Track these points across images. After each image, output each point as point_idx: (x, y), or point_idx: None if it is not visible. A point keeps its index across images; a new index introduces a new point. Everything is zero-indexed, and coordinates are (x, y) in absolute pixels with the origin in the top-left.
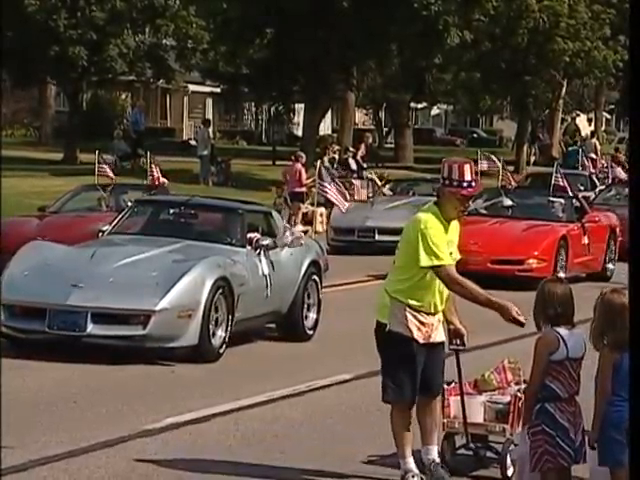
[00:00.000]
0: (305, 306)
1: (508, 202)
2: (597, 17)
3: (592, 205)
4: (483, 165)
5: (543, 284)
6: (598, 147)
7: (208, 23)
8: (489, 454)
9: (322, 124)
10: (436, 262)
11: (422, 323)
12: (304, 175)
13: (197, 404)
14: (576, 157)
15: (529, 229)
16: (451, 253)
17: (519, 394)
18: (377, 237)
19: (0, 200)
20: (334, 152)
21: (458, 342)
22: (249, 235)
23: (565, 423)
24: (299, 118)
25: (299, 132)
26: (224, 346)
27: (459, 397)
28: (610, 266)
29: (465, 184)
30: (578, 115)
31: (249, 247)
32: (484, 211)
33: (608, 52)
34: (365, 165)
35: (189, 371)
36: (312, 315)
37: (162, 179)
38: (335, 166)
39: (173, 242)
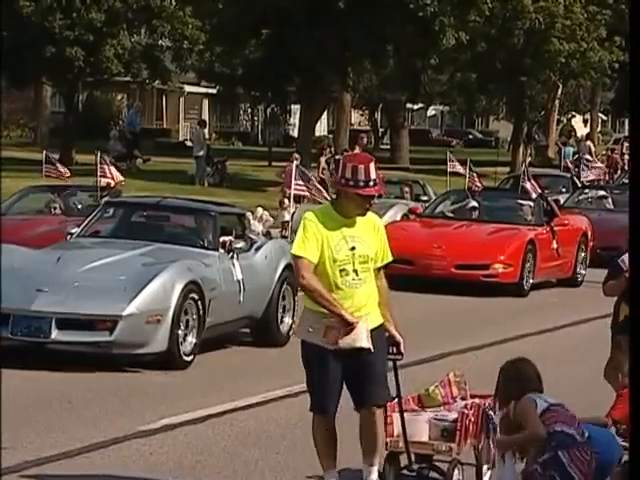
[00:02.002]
0: (280, 310)
1: (473, 204)
2: (593, 18)
3: (563, 208)
4: (455, 166)
5: (514, 364)
6: (592, 149)
7: (204, 24)
8: (434, 475)
9: (318, 125)
10: (294, 250)
11: (330, 328)
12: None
13: (192, 405)
14: (572, 158)
15: (495, 233)
16: (353, 248)
17: (466, 410)
18: None
19: (0, 200)
20: (330, 153)
21: (394, 350)
22: (222, 238)
23: (574, 474)
24: (295, 119)
25: (295, 133)
26: (195, 352)
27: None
28: (581, 271)
29: (362, 183)
30: (574, 116)
31: (222, 250)
32: (450, 214)
33: (604, 53)
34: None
35: (184, 372)
36: (287, 320)
37: (118, 178)
38: (331, 167)
39: (143, 245)
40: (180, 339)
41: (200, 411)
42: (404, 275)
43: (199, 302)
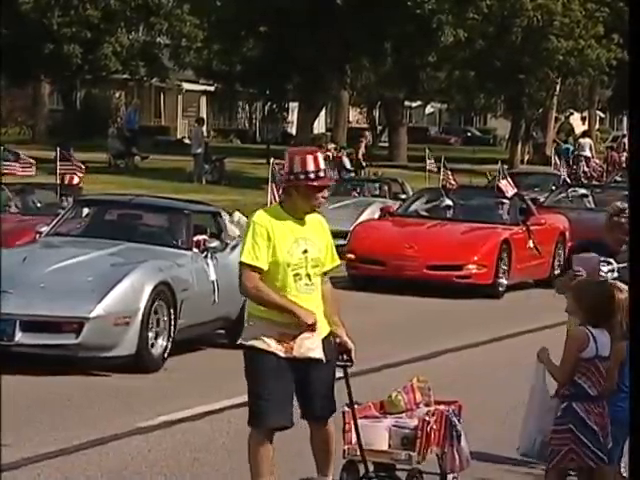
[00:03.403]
0: None
1: (448, 202)
2: (591, 15)
3: (542, 207)
4: (432, 165)
5: (605, 287)
6: (592, 146)
7: (202, 21)
8: None
9: (316, 123)
10: (242, 258)
11: (283, 335)
12: None
13: (190, 402)
14: (568, 156)
15: (469, 232)
16: (306, 251)
17: (427, 417)
18: None
19: (0, 201)
20: (328, 151)
21: (345, 358)
22: (196, 237)
23: (594, 426)
24: (293, 117)
25: (293, 131)
26: (166, 355)
27: (361, 420)
28: (558, 272)
29: (312, 175)
30: (572, 114)
31: (196, 250)
32: (424, 213)
33: (602, 50)
34: (365, 164)
35: (182, 369)
36: None
37: (77, 175)
38: (331, 165)
39: (114, 244)
40: (150, 341)
41: (198, 408)
42: (375, 276)
43: (170, 303)
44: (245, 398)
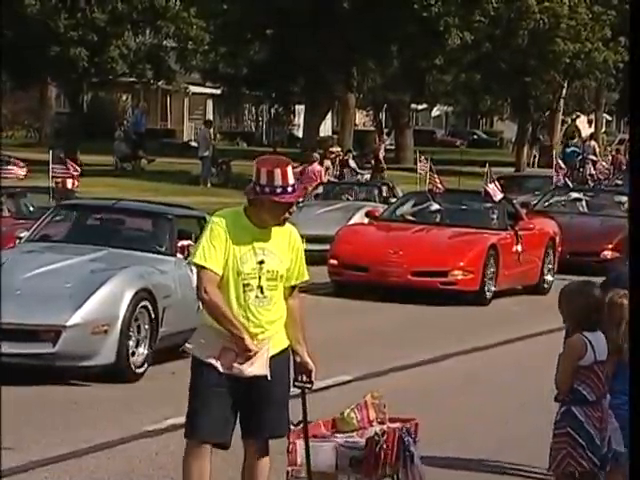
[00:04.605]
0: None
1: (435, 206)
2: (597, 18)
3: (531, 211)
4: (423, 167)
5: (585, 289)
6: (597, 149)
7: (208, 24)
8: None
9: (322, 125)
10: (196, 259)
11: (224, 349)
12: (323, 174)
13: None
14: (575, 159)
15: (455, 237)
16: (262, 262)
17: (377, 437)
18: (306, 246)
19: (1, 202)
20: (333, 153)
21: (304, 379)
22: (180, 242)
23: (591, 429)
24: (299, 119)
25: (299, 133)
26: (146, 364)
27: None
28: (548, 278)
29: (278, 190)
30: (578, 116)
31: (179, 255)
32: (410, 217)
33: (608, 53)
34: (384, 166)
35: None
36: None
37: (73, 178)
38: (336, 167)
39: (94, 250)
40: (131, 350)
41: None
42: (358, 282)
43: (151, 311)
44: None
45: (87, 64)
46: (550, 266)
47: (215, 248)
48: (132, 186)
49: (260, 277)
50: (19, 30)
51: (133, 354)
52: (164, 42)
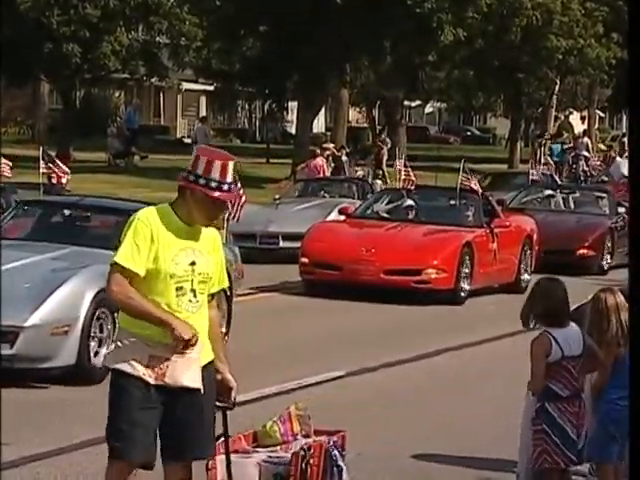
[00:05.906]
0: None
1: (409, 203)
2: (590, 14)
3: (507, 208)
4: (401, 164)
5: (541, 283)
6: (590, 145)
7: (201, 20)
8: None
9: (316, 122)
10: (116, 258)
11: (153, 358)
12: (326, 168)
13: None
14: (564, 155)
15: (429, 234)
16: (193, 263)
17: (303, 452)
18: (282, 244)
19: (1, 201)
20: (327, 150)
21: (222, 398)
22: None
23: (564, 424)
24: (293, 116)
25: (293, 130)
26: None
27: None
28: (525, 277)
29: (213, 184)
30: (571, 113)
31: None
32: (384, 214)
33: (601, 49)
34: (387, 171)
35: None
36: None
37: (65, 176)
38: (329, 163)
39: (58, 248)
40: (93, 350)
41: None
42: (330, 281)
43: (115, 310)
44: (242, 397)
45: (80, 60)
46: (527, 264)
47: (138, 246)
48: (125, 182)
49: (193, 280)
50: (12, 27)
51: (96, 354)
52: (157, 38)
